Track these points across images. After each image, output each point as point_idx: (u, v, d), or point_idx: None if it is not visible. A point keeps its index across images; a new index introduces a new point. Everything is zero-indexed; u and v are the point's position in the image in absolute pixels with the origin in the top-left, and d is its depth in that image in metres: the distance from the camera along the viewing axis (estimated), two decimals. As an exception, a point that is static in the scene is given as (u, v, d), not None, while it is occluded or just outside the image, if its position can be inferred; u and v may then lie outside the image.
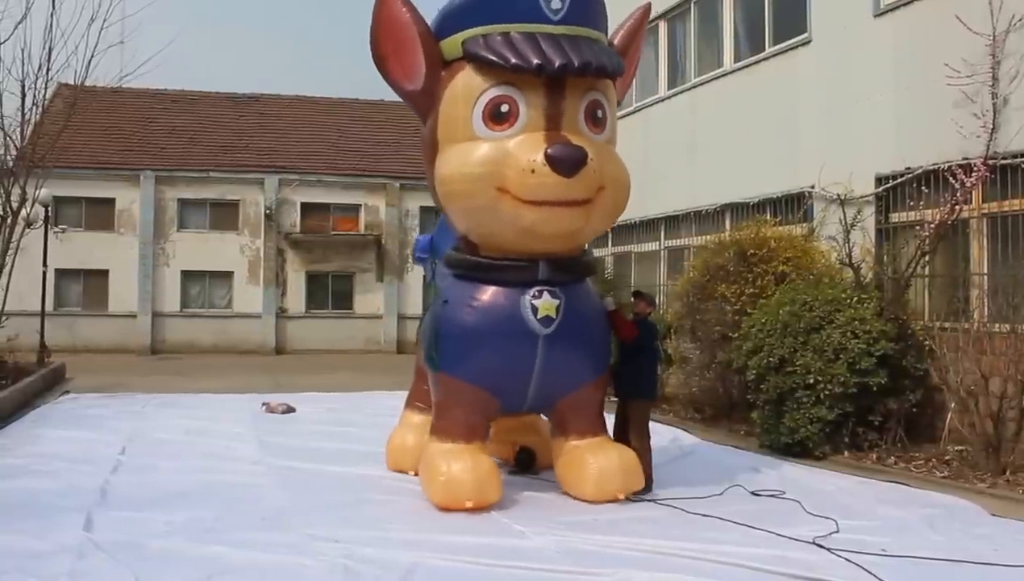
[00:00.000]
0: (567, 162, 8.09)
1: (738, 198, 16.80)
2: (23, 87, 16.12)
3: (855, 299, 11.61)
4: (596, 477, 8.74)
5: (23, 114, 16.86)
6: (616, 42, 9.37)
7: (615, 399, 9.75)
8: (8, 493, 9.13)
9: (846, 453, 11.22)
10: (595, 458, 8.82)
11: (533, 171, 8.11)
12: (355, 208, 36.78)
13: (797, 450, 11.36)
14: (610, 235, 21.97)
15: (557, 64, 8.07)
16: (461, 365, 8.76)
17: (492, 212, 8.41)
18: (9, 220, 15.45)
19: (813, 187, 14.53)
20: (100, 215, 34.16)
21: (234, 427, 13.70)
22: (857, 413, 11.21)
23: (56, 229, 28.07)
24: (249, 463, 10.93)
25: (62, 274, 32.56)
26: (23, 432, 13.25)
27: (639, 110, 21.30)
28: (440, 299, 9.23)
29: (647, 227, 20.47)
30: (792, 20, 15.93)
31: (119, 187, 34.23)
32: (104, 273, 34.00)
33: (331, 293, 36.45)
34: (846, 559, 6.75)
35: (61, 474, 10.05)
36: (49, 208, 24.94)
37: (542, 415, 9.88)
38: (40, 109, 15.94)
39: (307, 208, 36.16)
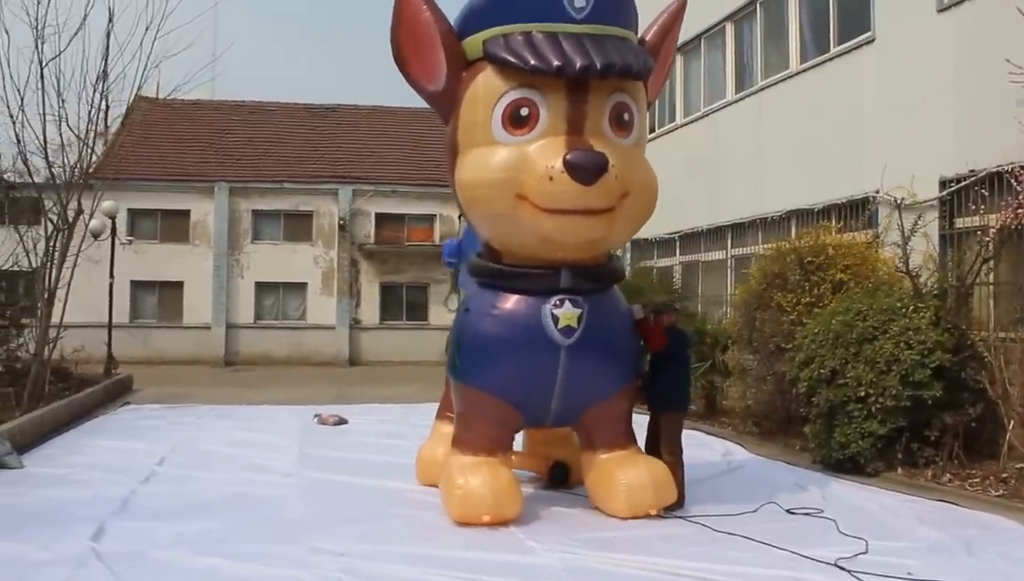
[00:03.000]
0: (586, 169, 7.78)
1: (804, 204, 16.31)
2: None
3: (910, 309, 11.04)
4: (626, 493, 8.43)
5: (104, 126, 17.12)
6: (648, 39, 9.01)
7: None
8: (35, 502, 9.19)
9: (899, 470, 10.66)
10: (625, 473, 8.50)
11: (551, 178, 7.82)
12: (430, 218, 36.61)
13: (848, 466, 10.82)
14: (678, 244, 21.61)
15: (578, 66, 7.76)
16: (481, 376, 8.53)
17: (512, 219, 8.15)
18: (65, 232, 15.54)
19: (878, 192, 13.97)
20: (175, 227, 34.43)
21: (280, 439, 13.58)
22: (911, 428, 10.62)
23: (123, 240, 28.42)
24: (283, 475, 10.82)
25: (137, 286, 33.08)
26: (73, 442, 13.33)
27: (707, 115, 20.88)
28: (463, 307, 9.00)
29: (714, 235, 20.03)
30: (856, 18, 15.42)
31: (194, 199, 34.48)
32: (179, 285, 34.28)
33: (405, 304, 36.29)
34: (864, 582, 6.34)
35: (93, 484, 10.07)
36: (115, 219, 25.23)
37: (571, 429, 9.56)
38: (96, 122, 16.09)
39: (381, 219, 36.11)
